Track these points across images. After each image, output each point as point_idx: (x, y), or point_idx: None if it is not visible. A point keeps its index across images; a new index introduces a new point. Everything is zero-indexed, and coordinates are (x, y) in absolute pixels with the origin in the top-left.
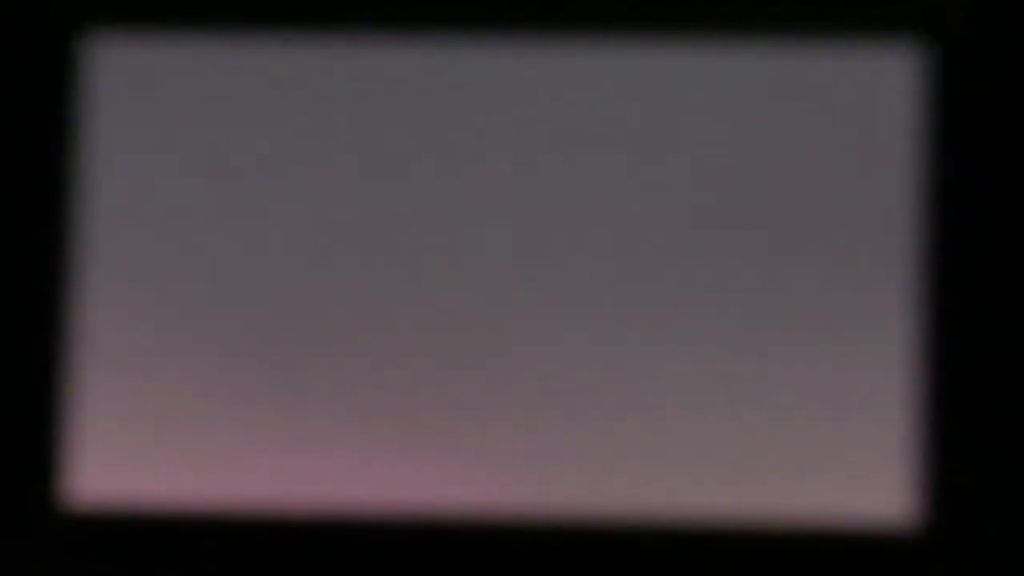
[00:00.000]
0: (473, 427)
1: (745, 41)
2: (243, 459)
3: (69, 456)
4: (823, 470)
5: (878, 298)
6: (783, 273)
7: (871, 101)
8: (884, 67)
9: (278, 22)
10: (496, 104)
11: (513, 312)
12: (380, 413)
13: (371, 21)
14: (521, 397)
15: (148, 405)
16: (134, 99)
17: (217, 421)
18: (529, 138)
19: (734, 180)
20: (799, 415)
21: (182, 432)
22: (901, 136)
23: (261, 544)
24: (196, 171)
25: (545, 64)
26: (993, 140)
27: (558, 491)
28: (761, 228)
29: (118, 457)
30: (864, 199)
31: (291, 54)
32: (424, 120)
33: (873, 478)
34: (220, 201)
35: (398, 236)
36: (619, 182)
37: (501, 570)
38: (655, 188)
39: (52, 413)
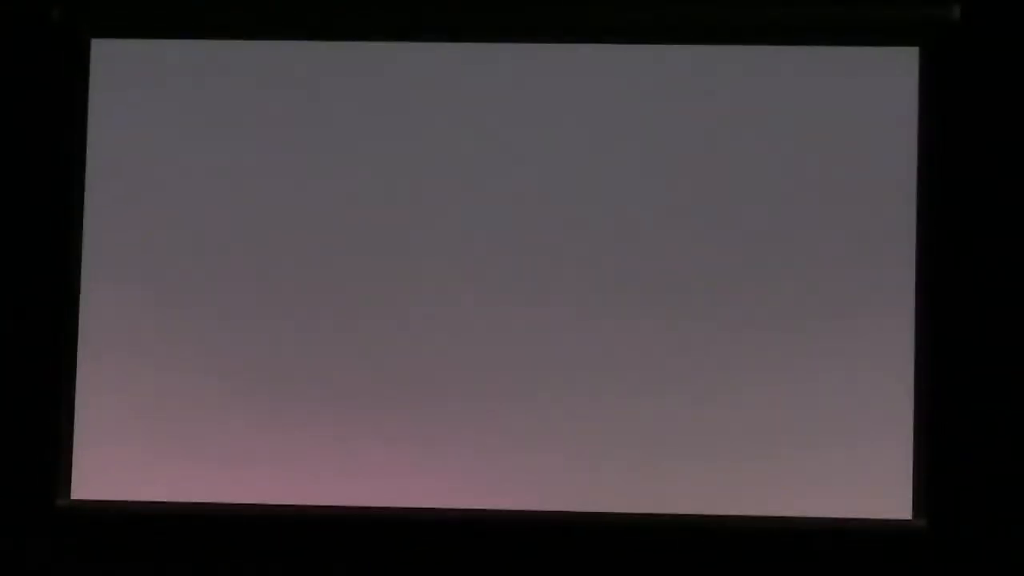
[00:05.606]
0: (474, 427)
1: (748, 43)
2: (243, 459)
3: (69, 456)
4: (824, 469)
5: (878, 298)
6: (783, 274)
7: (871, 101)
8: (884, 67)
9: (277, 26)
10: (497, 105)
11: (514, 313)
12: (380, 413)
13: (368, 25)
14: (521, 397)
15: (148, 405)
16: (134, 99)
17: (217, 421)
18: (532, 138)
19: (734, 181)
20: (799, 415)
21: (182, 432)
22: (901, 136)
23: (260, 543)
24: (196, 170)
25: (545, 65)
26: (991, 138)
27: (558, 490)
28: (760, 229)
29: (118, 457)
30: (864, 198)
31: (290, 56)
32: (424, 120)
33: (873, 478)
34: (220, 200)
35: (398, 236)
36: (618, 182)
37: (502, 570)
38: (654, 187)
39: (52, 413)
